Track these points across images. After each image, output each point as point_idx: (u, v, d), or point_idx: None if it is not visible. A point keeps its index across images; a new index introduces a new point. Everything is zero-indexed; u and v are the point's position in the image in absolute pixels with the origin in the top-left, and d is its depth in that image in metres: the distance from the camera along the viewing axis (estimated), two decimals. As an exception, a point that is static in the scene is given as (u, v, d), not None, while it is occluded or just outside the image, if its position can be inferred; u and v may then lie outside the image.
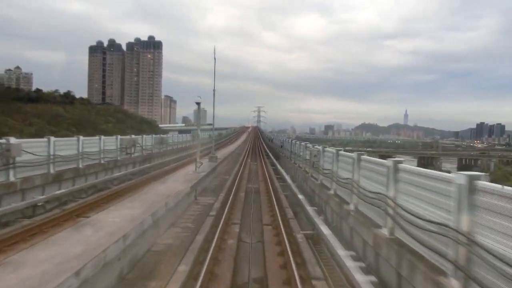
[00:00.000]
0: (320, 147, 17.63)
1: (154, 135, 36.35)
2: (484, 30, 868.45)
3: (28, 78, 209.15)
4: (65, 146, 19.35)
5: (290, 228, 12.97)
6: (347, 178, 11.92)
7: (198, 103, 22.70)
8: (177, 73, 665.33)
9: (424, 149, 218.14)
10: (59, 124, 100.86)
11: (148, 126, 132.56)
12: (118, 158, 25.72)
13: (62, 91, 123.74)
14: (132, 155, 27.99)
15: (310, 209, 14.88)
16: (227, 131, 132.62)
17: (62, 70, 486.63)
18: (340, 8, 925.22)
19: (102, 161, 23.19)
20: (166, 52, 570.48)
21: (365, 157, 11.06)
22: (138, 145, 29.62)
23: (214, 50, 27.11)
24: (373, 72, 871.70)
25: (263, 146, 71.66)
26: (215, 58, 27.41)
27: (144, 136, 32.95)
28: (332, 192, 14.03)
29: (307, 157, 19.98)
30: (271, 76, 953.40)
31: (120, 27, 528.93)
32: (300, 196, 17.73)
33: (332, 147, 16.85)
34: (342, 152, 13.91)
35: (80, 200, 15.80)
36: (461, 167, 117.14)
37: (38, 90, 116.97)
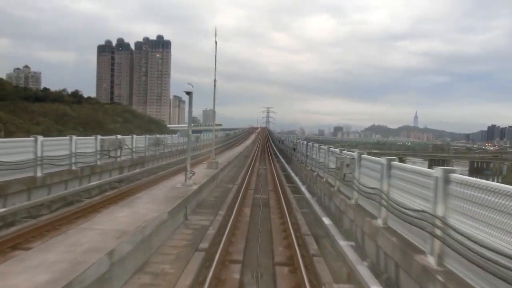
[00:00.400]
0: (355, 154, 13.02)
1: (148, 135, 31.34)
2: (497, 32, 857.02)
3: (36, 77, 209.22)
4: (16, 149, 14.71)
5: (316, 275, 8.35)
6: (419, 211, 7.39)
7: (188, 93, 16.07)
8: (186, 74, 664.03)
9: (436, 151, 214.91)
10: (66, 124, 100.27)
11: (156, 126, 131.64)
12: (98, 163, 21.52)
13: (70, 90, 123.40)
14: (119, 159, 24.28)
15: (345, 246, 9.88)
16: (235, 131, 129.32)
17: (72, 70, 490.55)
18: (351, 9, 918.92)
19: (74, 167, 18.78)
20: (175, 53, 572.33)
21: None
22: (126, 146, 25.57)
23: (216, 33, 24.54)
24: (383, 74, 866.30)
25: (273, 148, 67.50)
26: (216, 41, 24.85)
27: (135, 136, 28.50)
28: (380, 223, 9.40)
29: (331, 165, 16.17)
30: (281, 77, 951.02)
31: (131, 27, 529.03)
32: (326, 221, 12.73)
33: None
34: (397, 164, 9.45)
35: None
36: (473, 170, 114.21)
37: (46, 89, 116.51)
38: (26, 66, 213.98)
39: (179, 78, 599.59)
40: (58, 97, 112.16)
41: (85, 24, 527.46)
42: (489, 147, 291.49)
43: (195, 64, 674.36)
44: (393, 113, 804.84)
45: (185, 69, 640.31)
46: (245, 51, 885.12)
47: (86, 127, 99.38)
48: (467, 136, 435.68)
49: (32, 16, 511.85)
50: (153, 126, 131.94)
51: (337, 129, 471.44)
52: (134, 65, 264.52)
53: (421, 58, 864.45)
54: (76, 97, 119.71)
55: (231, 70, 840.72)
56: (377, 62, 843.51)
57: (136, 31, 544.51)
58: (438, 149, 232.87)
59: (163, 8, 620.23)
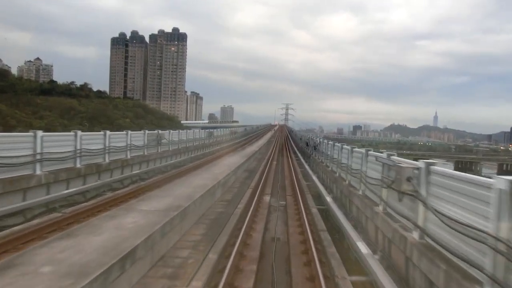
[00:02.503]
0: (420, 163, 7.87)
1: (148, 131, 25.49)
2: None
3: (48, 70, 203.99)
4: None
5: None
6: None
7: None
8: (205, 70, 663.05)
9: (459, 152, 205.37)
10: (72, 118, 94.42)
11: (168, 122, 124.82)
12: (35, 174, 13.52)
13: (80, 83, 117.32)
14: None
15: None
16: (246, 128, 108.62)
17: (90, 65, 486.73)
18: (373, 8, 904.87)
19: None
20: (194, 49, 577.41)
21: None
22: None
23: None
24: (403, 73, 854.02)
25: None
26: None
27: (130, 132, 22.62)
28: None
29: (371, 173, 11.37)
30: (301, 76, 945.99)
31: (152, 23, 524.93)
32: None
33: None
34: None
35: None
36: (503, 173, 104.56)
37: (52, 82, 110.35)
38: (38, 59, 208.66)
39: (197, 74, 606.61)
40: (65, 90, 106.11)
41: (106, 19, 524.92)
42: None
43: (215, 61, 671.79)
44: (412, 112, 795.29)
45: (204, 65, 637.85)
46: (266, 49, 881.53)
47: (94, 122, 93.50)
48: (489, 137, 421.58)
49: (55, 11, 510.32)
50: (166, 122, 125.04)
51: (356, 128, 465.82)
52: (149, 59, 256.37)
53: (442, 58, 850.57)
54: (84, 90, 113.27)
55: (252, 68, 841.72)
56: (397, 61, 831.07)
57: (157, 27, 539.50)
58: (461, 150, 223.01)
59: (184, 4, 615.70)
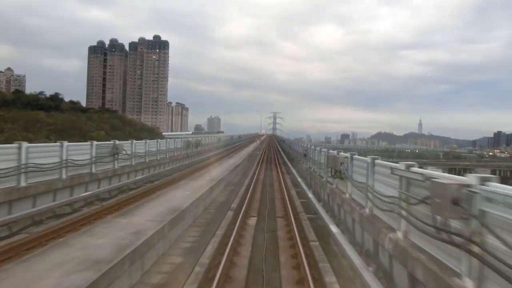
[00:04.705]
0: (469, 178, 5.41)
1: (96, 142, 20.39)
2: (498, 42, 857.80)
3: (20, 80, 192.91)
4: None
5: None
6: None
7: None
8: (194, 82, 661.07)
9: (449, 158, 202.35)
10: (38, 131, 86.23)
11: (149, 134, 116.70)
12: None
13: (51, 94, 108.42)
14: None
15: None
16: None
17: (69, 76, 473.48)
18: (359, 18, 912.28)
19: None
20: (183, 60, 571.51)
21: None
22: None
23: None
24: (389, 82, 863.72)
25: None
26: None
27: (66, 144, 17.01)
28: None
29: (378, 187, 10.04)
30: (289, 86, 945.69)
31: (139, 35, 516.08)
32: None
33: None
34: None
35: None
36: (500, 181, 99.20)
37: (18, 92, 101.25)
38: (9, 69, 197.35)
39: (188, 86, 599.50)
40: (33, 101, 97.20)
41: (92, 32, 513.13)
42: (499, 153, 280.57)
43: (204, 72, 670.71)
44: (398, 120, 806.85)
45: (193, 76, 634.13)
46: (254, 59, 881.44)
47: (64, 135, 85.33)
48: (473, 143, 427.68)
49: (38, 23, 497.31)
50: (146, 133, 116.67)
51: (344, 136, 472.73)
52: (129, 68, 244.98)
53: (425, 67, 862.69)
54: (55, 101, 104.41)
55: (240, 78, 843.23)
56: (383, 70, 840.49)
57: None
58: (450, 157, 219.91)
59: (171, 16, 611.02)
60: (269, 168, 39.04)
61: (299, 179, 28.19)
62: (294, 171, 34.34)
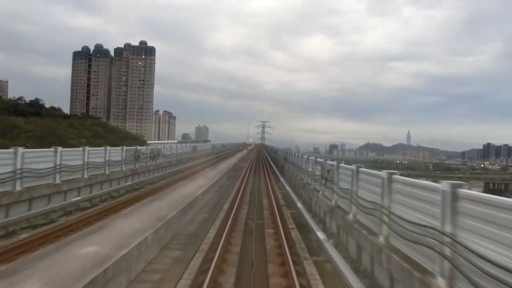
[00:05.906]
0: None
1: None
2: (486, 56, 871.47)
3: (2, 86, 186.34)
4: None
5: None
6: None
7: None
8: (183, 90, 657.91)
9: (439, 170, 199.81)
10: (15, 138, 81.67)
11: (132, 142, 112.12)
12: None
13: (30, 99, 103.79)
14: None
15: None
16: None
17: (56, 84, 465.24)
18: (348, 30, 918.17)
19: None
20: (172, 69, 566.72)
21: None
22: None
23: None
24: (378, 93, 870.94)
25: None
26: None
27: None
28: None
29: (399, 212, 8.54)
30: (278, 96, 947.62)
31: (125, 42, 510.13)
32: None
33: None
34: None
35: None
36: (489, 192, 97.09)
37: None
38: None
39: (176, 95, 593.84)
40: (11, 107, 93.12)
41: (81, 39, 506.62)
42: (489, 165, 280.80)
43: (193, 81, 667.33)
44: (386, 131, 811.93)
45: (182, 85, 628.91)
46: (244, 69, 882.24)
47: (43, 142, 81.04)
48: (462, 154, 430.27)
49: (26, 30, 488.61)
50: (130, 141, 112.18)
51: (333, 147, 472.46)
52: (114, 74, 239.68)
53: (414, 79, 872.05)
54: (34, 107, 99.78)
55: (230, 88, 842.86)
56: (372, 82, 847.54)
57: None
58: (440, 168, 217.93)
59: (161, 24, 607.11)
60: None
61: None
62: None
